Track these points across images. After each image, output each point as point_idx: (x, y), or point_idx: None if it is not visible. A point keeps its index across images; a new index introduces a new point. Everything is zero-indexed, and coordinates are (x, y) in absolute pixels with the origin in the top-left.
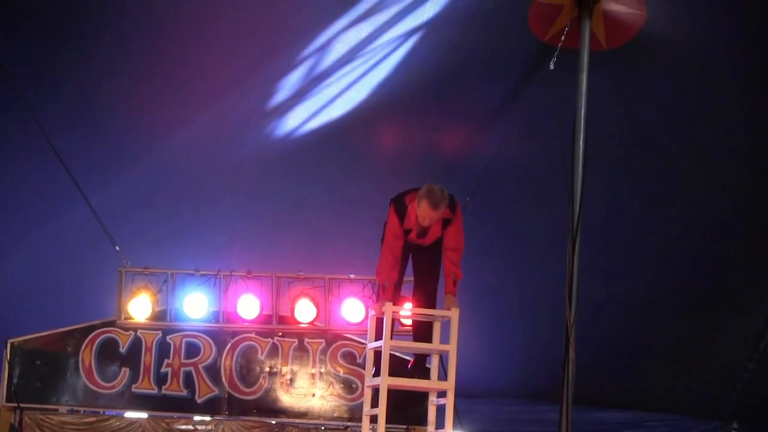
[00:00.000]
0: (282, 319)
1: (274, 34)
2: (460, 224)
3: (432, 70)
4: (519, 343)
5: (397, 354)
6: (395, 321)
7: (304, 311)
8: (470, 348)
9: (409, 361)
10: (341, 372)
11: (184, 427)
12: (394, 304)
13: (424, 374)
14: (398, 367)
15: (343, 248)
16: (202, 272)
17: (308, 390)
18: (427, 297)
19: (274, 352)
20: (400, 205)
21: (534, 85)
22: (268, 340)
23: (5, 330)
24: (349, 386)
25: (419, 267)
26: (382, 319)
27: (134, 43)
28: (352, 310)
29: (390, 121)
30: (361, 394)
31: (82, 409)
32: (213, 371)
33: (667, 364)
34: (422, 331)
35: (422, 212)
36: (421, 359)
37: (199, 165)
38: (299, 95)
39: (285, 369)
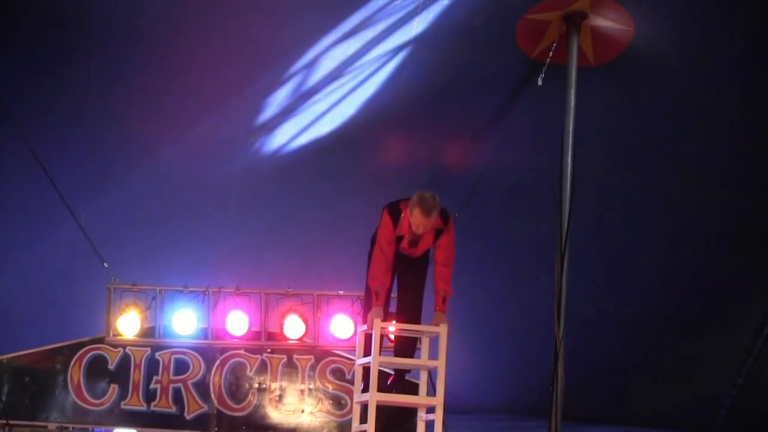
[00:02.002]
0: (271, 336)
1: (261, 50)
2: (452, 236)
3: (420, 86)
4: (508, 359)
5: (382, 369)
6: (383, 337)
7: (293, 327)
8: (459, 364)
9: (389, 375)
10: (330, 388)
11: None
12: (384, 317)
13: (404, 389)
14: (386, 383)
15: (332, 264)
16: (190, 289)
17: (297, 406)
18: (410, 314)
19: (263, 368)
20: (394, 210)
21: (522, 101)
22: (257, 356)
23: None
24: (338, 402)
25: (404, 284)
26: (371, 335)
27: (122, 61)
28: (341, 326)
29: (378, 138)
30: (350, 411)
31: (71, 426)
32: (202, 388)
33: (655, 379)
34: (404, 347)
35: (415, 220)
36: (401, 374)
37: (188, 182)
38: (287, 112)
39: (274, 385)
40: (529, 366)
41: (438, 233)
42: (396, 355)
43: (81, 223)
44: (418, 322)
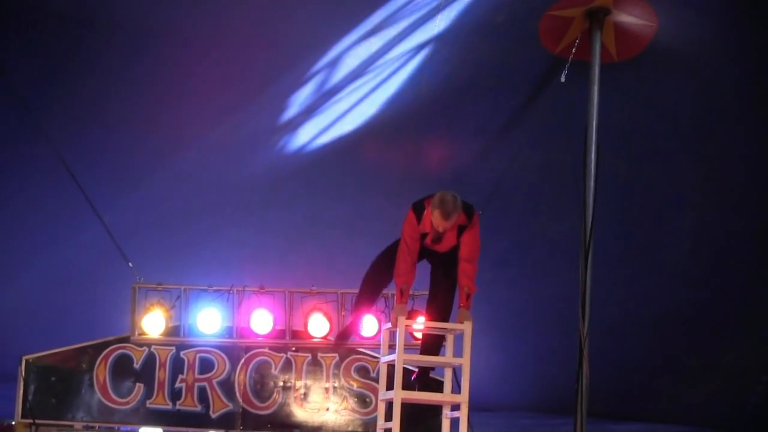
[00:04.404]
0: (295, 334)
1: (284, 49)
2: (477, 232)
3: (442, 84)
4: (533, 356)
5: (406, 366)
6: (408, 334)
7: (317, 326)
8: (484, 361)
9: (412, 372)
10: (355, 386)
11: None
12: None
13: (427, 386)
14: (410, 381)
15: (356, 262)
16: (215, 288)
17: (322, 404)
18: (441, 310)
19: (287, 366)
20: (418, 207)
21: (545, 98)
22: (282, 355)
23: (20, 347)
24: (362, 400)
25: (436, 279)
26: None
27: (144, 61)
28: (366, 324)
29: (401, 136)
30: (375, 408)
31: (96, 425)
32: (227, 386)
33: (680, 377)
34: (430, 344)
35: (435, 220)
36: (425, 370)
37: (211, 181)
38: (310, 110)
39: (299, 384)
40: (553, 363)
41: (462, 229)
42: (422, 353)
43: (105, 224)
44: (447, 318)
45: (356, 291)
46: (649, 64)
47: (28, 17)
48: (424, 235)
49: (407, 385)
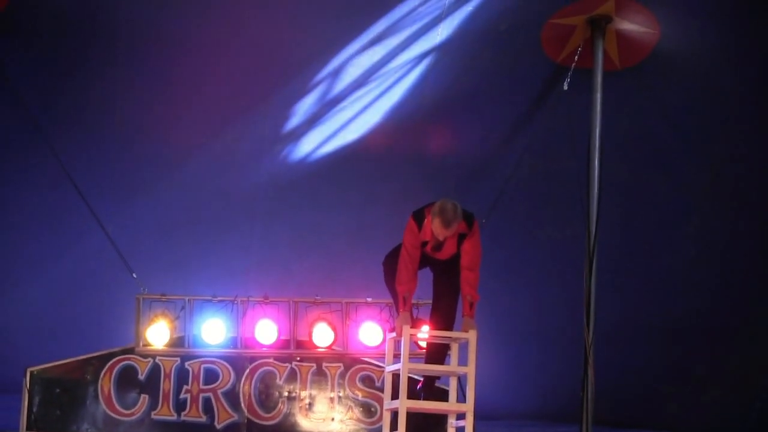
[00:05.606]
0: (300, 344)
1: (286, 59)
2: (477, 240)
3: (445, 93)
4: (537, 365)
5: (411, 375)
6: (412, 343)
7: (322, 335)
8: (488, 370)
9: (417, 381)
10: (360, 396)
11: None
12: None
13: (433, 395)
14: (416, 390)
15: (360, 272)
16: (219, 298)
17: (327, 414)
18: (444, 318)
19: (292, 376)
20: (419, 215)
21: (548, 105)
22: (287, 365)
23: (24, 359)
24: (368, 410)
25: (439, 286)
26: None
27: (148, 70)
28: (370, 333)
29: (404, 144)
30: (380, 418)
31: None
32: (232, 397)
33: (685, 384)
34: (435, 353)
35: (435, 228)
36: (430, 380)
37: (215, 191)
38: (313, 120)
39: (303, 394)
40: (558, 371)
41: (462, 237)
42: (427, 362)
43: (109, 234)
44: (451, 327)
45: (360, 300)
46: (651, 71)
47: (32, 26)
48: (424, 243)
49: (412, 395)
